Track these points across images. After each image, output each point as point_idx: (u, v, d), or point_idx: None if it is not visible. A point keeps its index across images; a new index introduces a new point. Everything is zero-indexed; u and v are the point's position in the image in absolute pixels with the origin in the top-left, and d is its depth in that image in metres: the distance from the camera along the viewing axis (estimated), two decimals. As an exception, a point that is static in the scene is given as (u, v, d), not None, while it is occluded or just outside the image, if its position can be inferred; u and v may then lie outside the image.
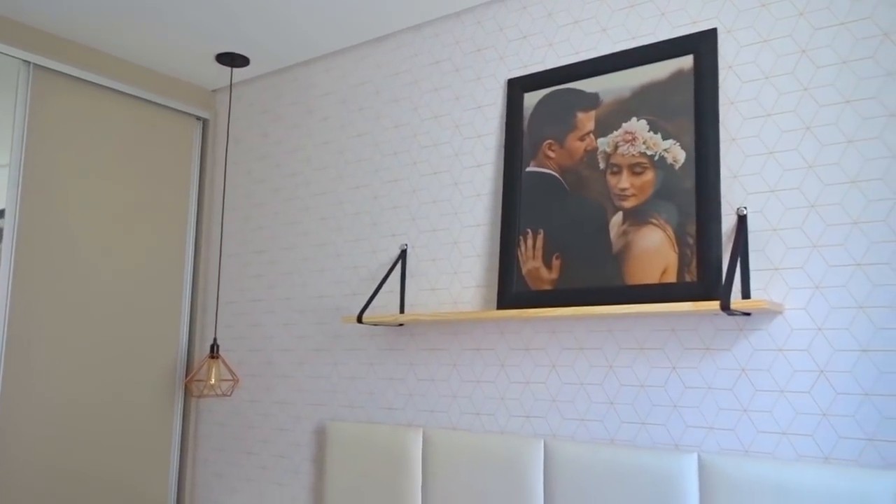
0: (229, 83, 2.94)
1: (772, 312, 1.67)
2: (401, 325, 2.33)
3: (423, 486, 2.15)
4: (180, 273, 2.97)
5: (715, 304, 1.58)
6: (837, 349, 1.60)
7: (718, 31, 1.86)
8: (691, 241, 1.77)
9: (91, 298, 2.67)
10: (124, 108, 2.82)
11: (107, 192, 2.74)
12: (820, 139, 1.68)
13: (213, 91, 3.14)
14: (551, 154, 2.07)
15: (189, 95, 3.04)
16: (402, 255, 2.37)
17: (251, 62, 2.82)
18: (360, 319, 2.22)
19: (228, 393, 2.70)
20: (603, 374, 1.92)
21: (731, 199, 1.78)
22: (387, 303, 2.40)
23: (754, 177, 1.76)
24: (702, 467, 1.68)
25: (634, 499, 1.74)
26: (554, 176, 2.05)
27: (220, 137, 3.10)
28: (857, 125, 1.63)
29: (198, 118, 3.10)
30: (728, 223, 1.77)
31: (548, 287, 1.98)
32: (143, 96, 2.86)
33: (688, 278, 1.76)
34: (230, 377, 2.80)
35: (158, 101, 2.91)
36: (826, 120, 1.67)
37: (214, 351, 2.59)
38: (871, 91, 1.63)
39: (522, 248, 2.06)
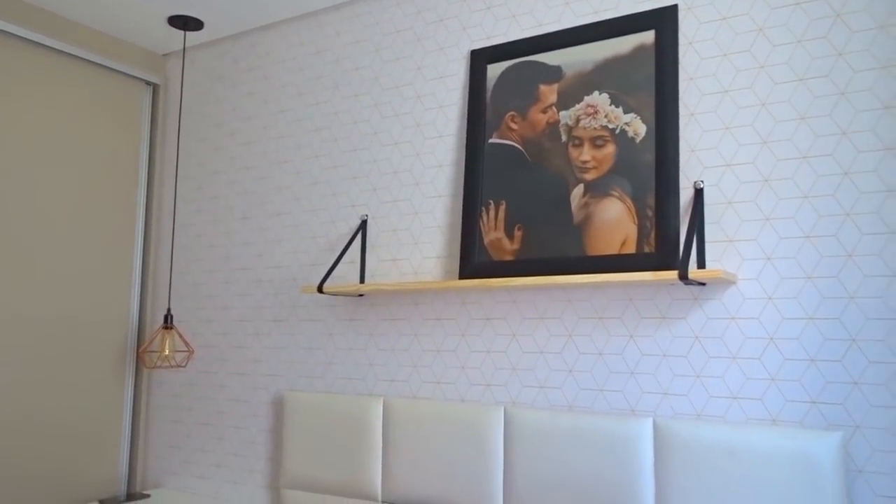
0: (182, 47, 2.86)
1: (726, 282, 1.74)
2: (361, 295, 2.33)
3: (383, 455, 2.17)
4: (130, 243, 2.90)
5: (673, 274, 1.64)
6: (786, 317, 1.68)
7: (679, 8, 1.89)
8: (650, 213, 1.82)
9: (36, 269, 2.58)
10: (69, 70, 2.71)
11: (51, 158, 2.64)
12: (774, 116, 1.74)
13: (165, 55, 3.04)
14: (514, 126, 2.08)
15: (138, 59, 2.94)
16: (363, 226, 2.36)
17: (205, 26, 2.74)
18: (320, 289, 2.21)
19: (183, 364, 2.66)
20: (562, 342, 1.97)
21: (689, 172, 1.83)
22: (346, 273, 2.40)
23: (711, 151, 1.81)
24: (657, 431, 1.74)
25: (592, 462, 1.80)
26: (516, 148, 2.07)
27: (172, 104, 3.01)
28: (809, 103, 1.70)
29: (147, 83, 3.00)
30: (686, 196, 1.82)
31: (509, 257, 2.01)
32: (90, 59, 2.75)
33: (646, 249, 1.81)
34: (185, 348, 2.76)
35: (106, 64, 2.80)
36: (780, 97, 1.74)
37: (168, 321, 2.55)
38: (823, 70, 1.69)
39: (484, 218, 2.08)
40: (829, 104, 1.68)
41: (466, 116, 2.19)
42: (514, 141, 2.08)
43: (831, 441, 1.55)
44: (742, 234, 1.75)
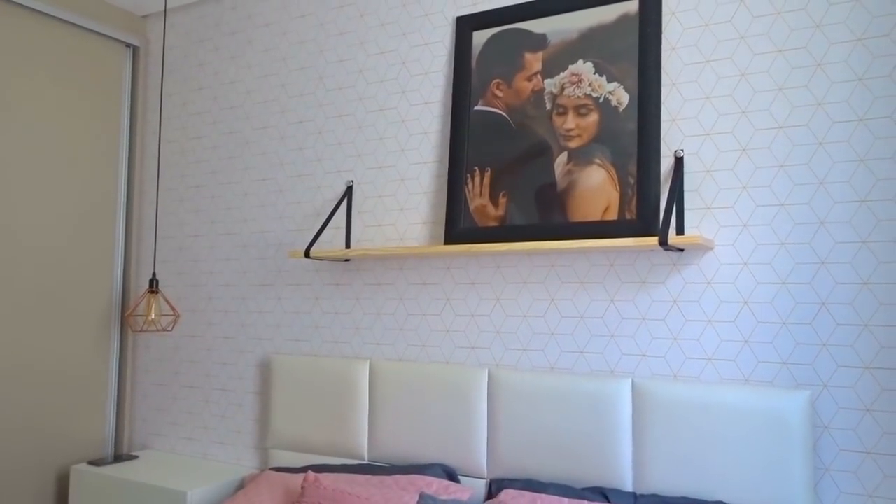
0: (163, 9, 2.82)
1: (703, 248, 1.80)
2: (347, 260, 2.36)
3: (369, 415, 2.23)
4: (113, 207, 2.89)
5: (653, 240, 1.69)
6: (760, 282, 1.75)
7: (663, -23, 1.92)
8: (632, 180, 1.87)
9: (19, 234, 2.57)
10: (46, 31, 2.67)
11: (30, 121, 2.61)
12: (753, 86, 1.78)
13: (144, 17, 3.00)
14: (499, 93, 2.11)
15: (118, 20, 2.89)
16: (349, 192, 2.38)
17: (186, -12, 2.70)
18: (307, 254, 2.24)
19: (169, 328, 2.69)
20: (545, 306, 2.03)
21: (670, 141, 1.88)
22: (332, 238, 2.42)
23: (692, 120, 1.85)
24: (635, 390, 1.82)
25: (573, 421, 1.88)
26: (501, 115, 2.09)
27: (154, 66, 2.98)
28: (787, 73, 1.74)
29: (127, 45, 2.96)
30: (667, 164, 1.87)
31: (494, 224, 2.06)
32: (68, 19, 2.71)
33: (628, 216, 1.86)
34: (170, 312, 2.78)
35: (84, 24, 2.76)
36: (759, 68, 1.78)
37: (153, 286, 2.56)
38: (801, 41, 1.73)
39: (470, 185, 2.11)
40: (806, 75, 1.72)
41: (452, 83, 2.21)
42: (499, 108, 2.10)
43: (799, 399, 1.63)
44: (720, 202, 1.80)
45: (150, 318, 2.54)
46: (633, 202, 1.86)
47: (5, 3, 2.53)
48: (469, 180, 2.12)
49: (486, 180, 2.09)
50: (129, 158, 2.96)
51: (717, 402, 1.71)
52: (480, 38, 2.16)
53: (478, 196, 2.09)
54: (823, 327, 1.67)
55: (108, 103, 2.88)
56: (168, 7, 2.90)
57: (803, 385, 1.69)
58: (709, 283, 1.81)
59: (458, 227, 2.11)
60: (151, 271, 2.88)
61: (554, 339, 2.01)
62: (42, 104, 2.64)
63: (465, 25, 2.19)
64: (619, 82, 1.92)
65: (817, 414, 1.66)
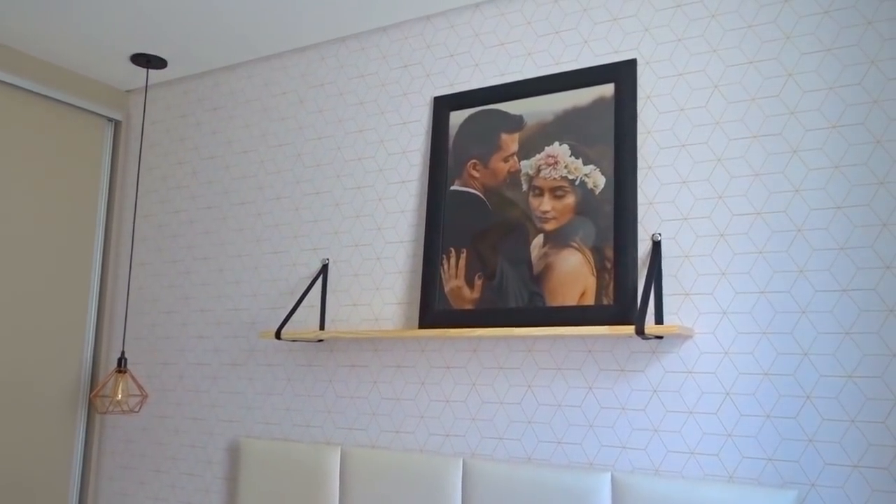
0: (145, 84, 2.83)
1: (682, 336, 1.74)
2: (320, 340, 2.29)
3: (339, 506, 2.12)
4: (86, 282, 2.83)
5: (630, 329, 1.63)
6: (742, 372, 1.68)
7: (638, 62, 1.92)
8: (609, 265, 1.82)
9: (-14, 308, 2.50)
10: (29, 106, 2.67)
11: (8, 193, 2.58)
12: (729, 171, 1.76)
13: (128, 92, 3.01)
14: (475, 174, 2.08)
15: (101, 95, 2.90)
16: (324, 270, 2.33)
17: (168, 64, 2.72)
18: (278, 335, 2.17)
19: (136, 409, 2.58)
20: (522, 393, 1.95)
21: (647, 224, 1.84)
22: (306, 317, 2.36)
23: (669, 204, 1.82)
24: (615, 486, 1.72)
25: (550, 517, 1.77)
26: (478, 196, 2.07)
27: (134, 141, 2.97)
28: (763, 159, 1.72)
29: (109, 119, 2.96)
30: (644, 248, 1.83)
31: (469, 306, 2.00)
32: (51, 94, 2.71)
33: (605, 301, 1.81)
34: (138, 392, 2.68)
35: (67, 100, 2.76)
36: (735, 153, 1.76)
37: (122, 365, 2.48)
38: (776, 128, 1.72)
39: (445, 266, 2.07)
40: (783, 161, 1.70)
41: (429, 163, 2.19)
42: (475, 189, 2.07)
43: (786, 499, 1.54)
44: (699, 288, 1.75)
45: (116, 399, 2.44)
46: (611, 287, 1.81)
47: (-14, 79, 2.54)
48: (444, 261, 2.07)
49: (462, 261, 2.04)
50: (106, 231, 2.92)
51: (700, 501, 1.61)
52: (458, 118, 2.16)
53: (453, 277, 2.04)
54: (809, 422, 1.60)
55: (89, 176, 2.85)
56: (152, 83, 2.91)
57: (790, 484, 1.60)
58: (689, 372, 1.74)
59: (433, 309, 2.05)
60: (121, 348, 2.79)
61: (531, 427, 1.92)
62: (23, 176, 2.61)
63: (443, 105, 2.19)
64: (595, 165, 1.90)
65: (806, 515, 1.57)
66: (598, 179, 1.89)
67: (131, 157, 2.96)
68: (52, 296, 2.71)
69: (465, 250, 2.04)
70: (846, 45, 1.67)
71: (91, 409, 2.80)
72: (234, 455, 2.45)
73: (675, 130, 1.84)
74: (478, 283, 2.00)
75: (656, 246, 1.80)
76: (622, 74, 1.91)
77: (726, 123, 1.78)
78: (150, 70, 2.77)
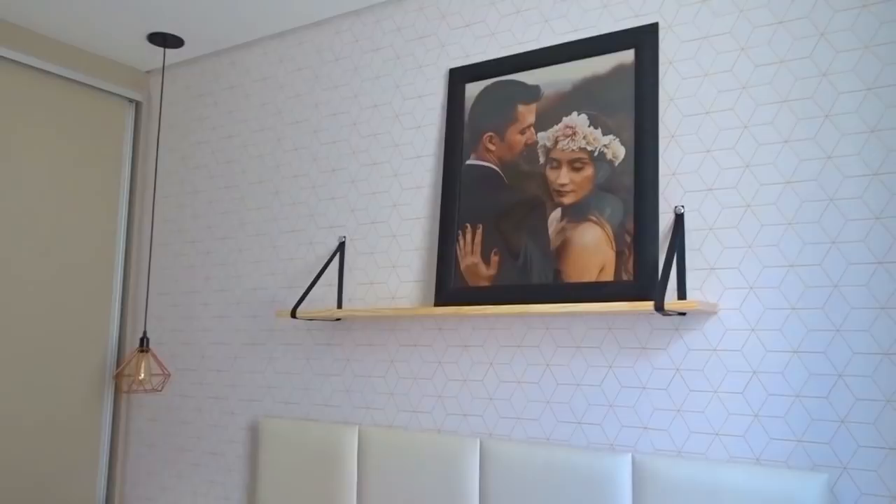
0: (162, 64, 2.81)
1: (706, 313, 1.66)
2: (338, 319, 2.26)
3: (358, 484, 2.10)
4: (111, 263, 2.84)
5: (649, 305, 1.56)
6: (769, 350, 1.60)
7: (660, 26, 1.83)
8: (629, 239, 1.75)
9: (16, 289, 2.53)
10: (52, 89, 2.67)
11: (33, 177, 2.60)
12: (757, 138, 1.66)
13: (147, 72, 3.00)
14: (491, 147, 2.02)
15: (121, 77, 2.90)
16: (341, 248, 2.30)
17: (185, 43, 2.69)
18: (293, 314, 2.14)
19: (159, 388, 2.60)
20: (540, 372, 1.89)
21: (670, 196, 1.76)
22: (324, 296, 2.33)
23: (692, 175, 1.74)
24: (635, 468, 1.66)
25: (568, 499, 1.72)
26: (494, 169, 2.00)
27: (154, 121, 2.97)
28: (793, 125, 1.62)
29: (130, 100, 2.95)
30: (666, 221, 1.75)
31: (485, 283, 1.94)
32: (72, 77, 2.71)
33: (625, 277, 1.73)
34: (160, 371, 2.70)
35: (88, 81, 2.76)
36: (763, 119, 1.66)
37: (144, 344, 2.49)
38: (807, 91, 1.62)
39: (461, 242, 2.01)
40: (814, 127, 1.60)
41: (444, 137, 2.12)
42: (491, 162, 2.01)
43: (817, 483, 1.46)
44: (724, 262, 1.67)
45: (139, 378, 2.46)
46: (630, 262, 1.73)
47: (15, 63, 2.54)
48: (460, 237, 2.01)
49: (478, 237, 1.98)
50: (129, 214, 2.93)
51: (725, 484, 1.54)
52: (473, 90, 2.09)
53: (469, 254, 1.99)
54: (841, 402, 1.51)
55: (110, 158, 2.86)
56: (169, 63, 2.89)
57: (820, 467, 1.52)
58: (714, 350, 1.66)
59: (449, 286, 2.00)
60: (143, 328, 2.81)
61: (549, 407, 1.87)
62: (44, 160, 2.63)
63: (458, 77, 2.12)
64: (614, 135, 1.82)
65: (837, 500, 1.49)
66: (617, 150, 1.81)
67: (152, 138, 2.96)
68: (78, 276, 2.73)
69: (481, 226, 1.98)
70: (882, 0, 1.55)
71: (117, 388, 2.83)
72: (254, 434, 2.44)
73: (699, 97, 1.75)
74: (494, 259, 1.94)
75: (679, 218, 1.72)
76: (643, 39, 1.82)
77: (754, 88, 1.68)
78: (167, 49, 2.76)
